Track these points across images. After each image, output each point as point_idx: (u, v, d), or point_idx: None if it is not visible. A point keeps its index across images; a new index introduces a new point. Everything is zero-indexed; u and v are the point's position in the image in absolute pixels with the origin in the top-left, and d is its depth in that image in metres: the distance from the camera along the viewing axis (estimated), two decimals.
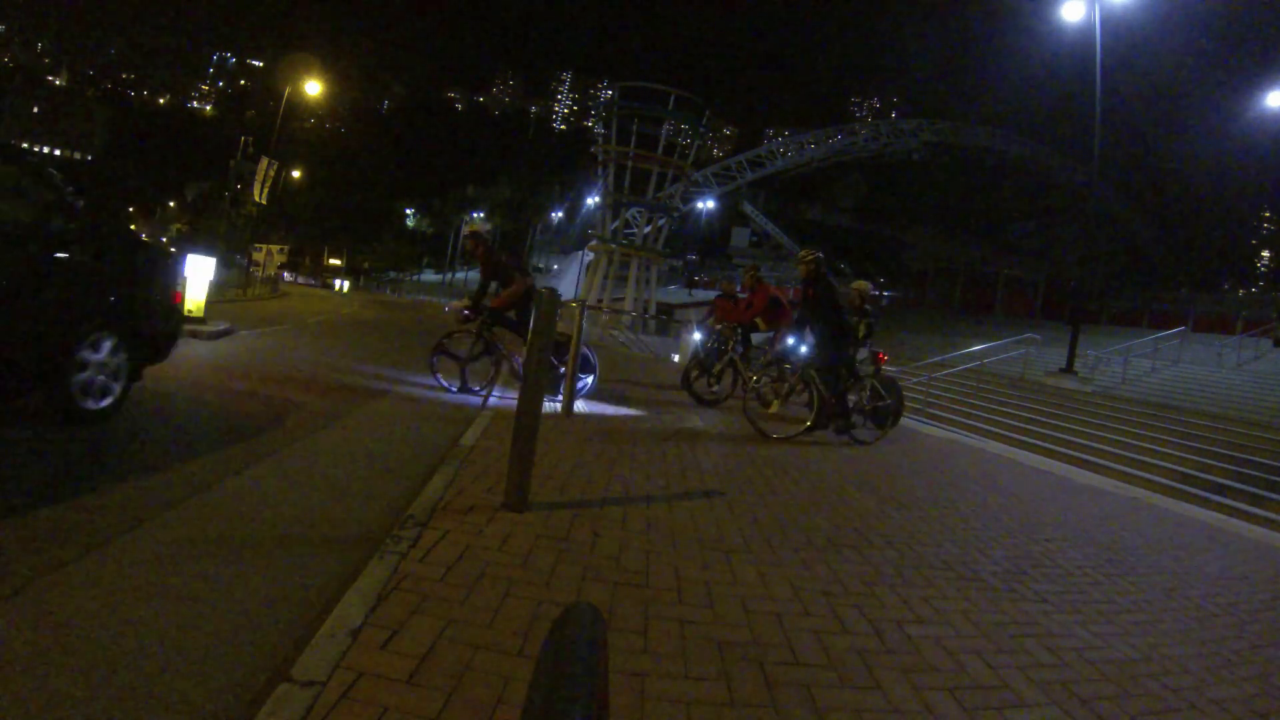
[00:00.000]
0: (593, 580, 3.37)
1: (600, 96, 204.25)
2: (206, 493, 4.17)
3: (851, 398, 10.27)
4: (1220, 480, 12.71)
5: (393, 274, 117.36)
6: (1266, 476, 12.72)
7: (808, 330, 10.07)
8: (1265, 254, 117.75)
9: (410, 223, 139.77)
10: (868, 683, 2.78)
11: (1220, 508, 11.22)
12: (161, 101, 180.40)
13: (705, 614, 3.18)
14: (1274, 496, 11.91)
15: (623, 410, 9.63)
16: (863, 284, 12.30)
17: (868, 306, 11.90)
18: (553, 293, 4.63)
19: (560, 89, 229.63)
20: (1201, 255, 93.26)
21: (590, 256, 54.33)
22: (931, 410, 19.26)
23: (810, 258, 9.64)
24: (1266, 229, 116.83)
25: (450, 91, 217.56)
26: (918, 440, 12.15)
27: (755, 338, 13.19)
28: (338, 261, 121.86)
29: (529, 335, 4.47)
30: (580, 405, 9.14)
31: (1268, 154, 52.15)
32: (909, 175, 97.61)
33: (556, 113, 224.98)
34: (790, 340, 10.89)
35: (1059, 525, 6.72)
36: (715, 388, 12.05)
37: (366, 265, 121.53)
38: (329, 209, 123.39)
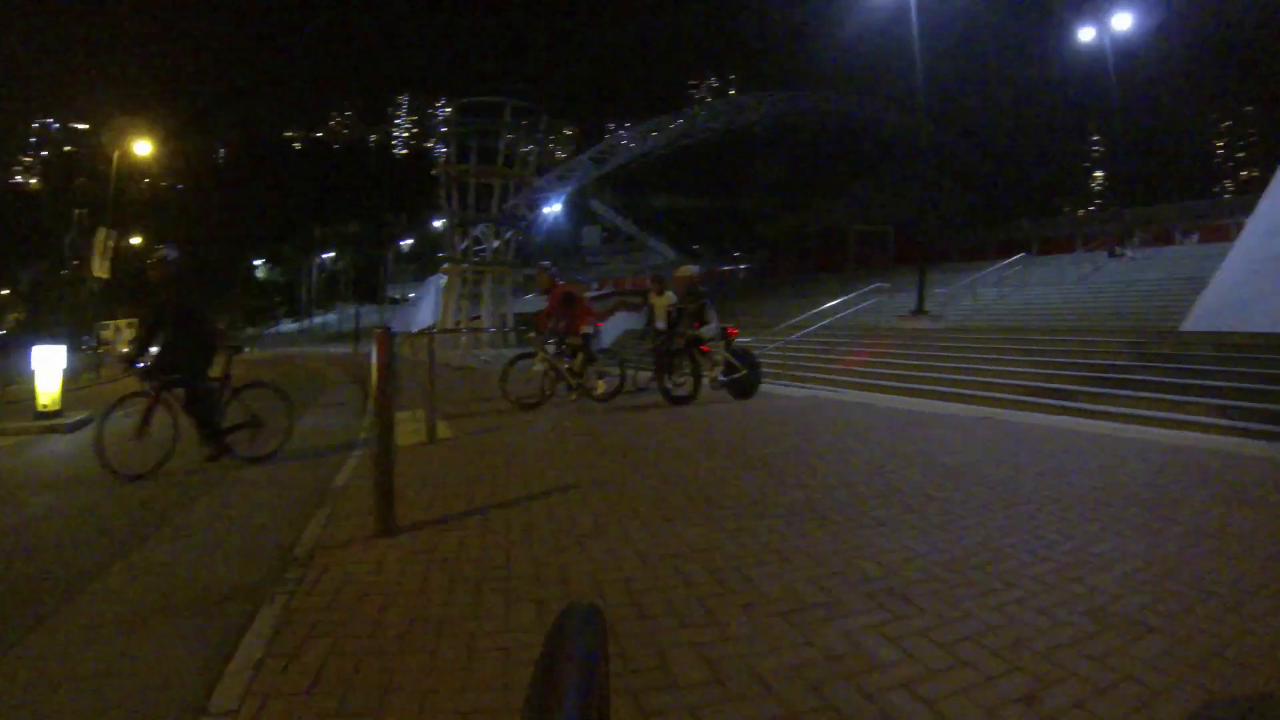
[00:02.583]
0: (461, 582, 3.75)
1: (438, 115, 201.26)
2: (106, 575, 4.39)
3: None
4: (1063, 387, 13.49)
5: (249, 329, 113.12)
6: (1102, 376, 13.47)
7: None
8: (1098, 174, 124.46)
9: (260, 273, 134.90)
10: (706, 621, 3.21)
11: (1063, 411, 12.04)
12: None
13: (558, 590, 3.61)
14: (1110, 392, 12.58)
15: (480, 427, 9.81)
16: (686, 269, 12.85)
17: (701, 289, 12.50)
18: (386, 329, 4.94)
19: (398, 113, 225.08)
20: (1040, 183, 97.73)
21: (444, 279, 53.56)
22: (793, 372, 19.75)
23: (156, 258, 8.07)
24: (1096, 150, 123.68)
25: (287, 130, 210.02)
26: (777, 402, 12.71)
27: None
28: None
29: (376, 378, 4.76)
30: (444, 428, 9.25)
31: (1090, 80, 54.66)
32: (754, 148, 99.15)
33: (397, 138, 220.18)
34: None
35: (905, 455, 7.27)
36: (526, 388, 12.11)
37: (221, 325, 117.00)
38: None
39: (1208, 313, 17.02)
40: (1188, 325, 17.11)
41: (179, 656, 3.20)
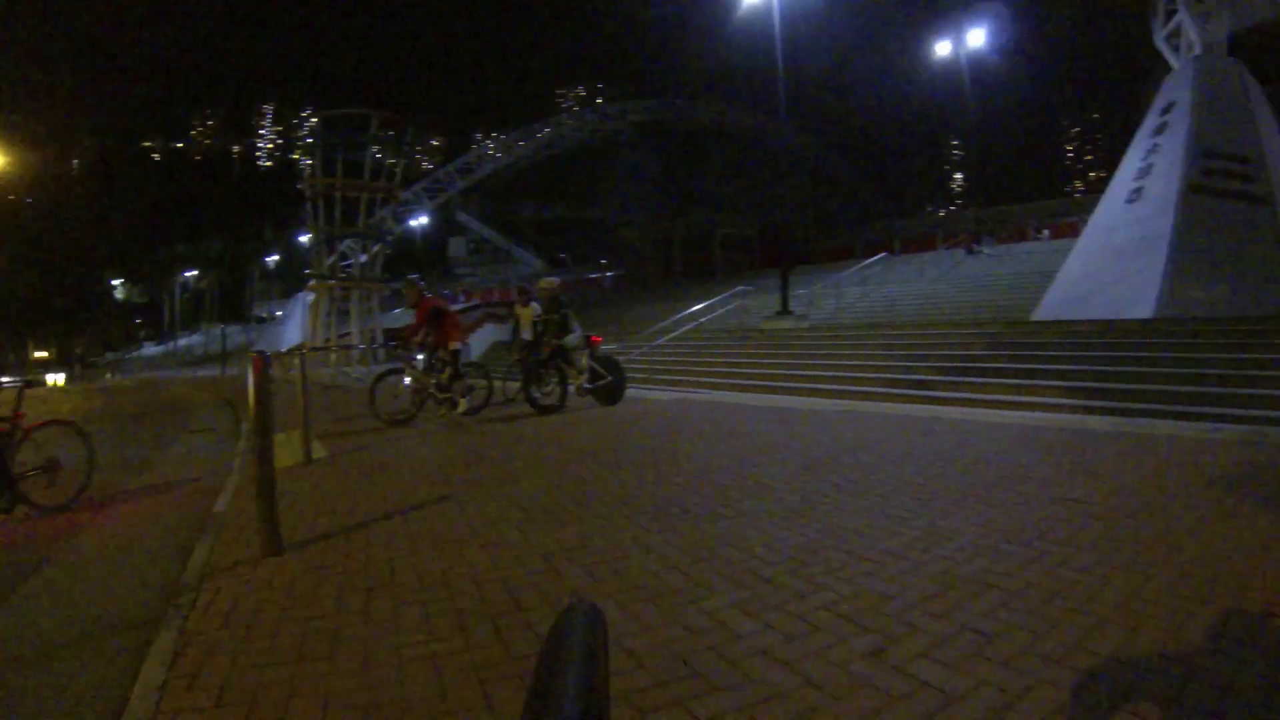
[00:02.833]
0: (350, 592, 3.81)
1: (303, 126, 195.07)
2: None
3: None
4: (922, 377, 13.93)
5: (110, 355, 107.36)
6: (959, 365, 13.96)
7: None
8: (958, 175, 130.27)
9: (120, 294, 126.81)
10: None
11: (923, 400, 12.50)
12: None
13: (444, 593, 3.73)
14: (965, 380, 13.06)
15: (355, 445, 9.64)
16: (548, 281, 12.95)
17: (563, 299, 12.67)
18: (261, 354, 5.03)
19: (262, 123, 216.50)
20: (904, 185, 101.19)
21: (311, 297, 52.02)
22: (659, 376, 19.86)
23: None
24: (956, 154, 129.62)
25: (146, 141, 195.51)
26: (643, 406, 12.95)
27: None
28: (45, 354, 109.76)
29: (253, 400, 4.83)
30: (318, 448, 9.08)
31: (952, 89, 56.83)
32: (620, 156, 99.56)
33: (261, 149, 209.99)
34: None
35: (769, 450, 7.56)
36: (396, 404, 11.91)
37: (79, 350, 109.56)
38: (28, 296, 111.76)
39: (1055, 303, 17.88)
40: (1037, 315, 17.97)
41: (81, 687, 3.20)
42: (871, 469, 6.32)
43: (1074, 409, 10.66)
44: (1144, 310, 15.19)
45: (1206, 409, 9.86)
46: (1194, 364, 11.57)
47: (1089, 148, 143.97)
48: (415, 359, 11.83)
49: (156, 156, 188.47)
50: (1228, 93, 18.29)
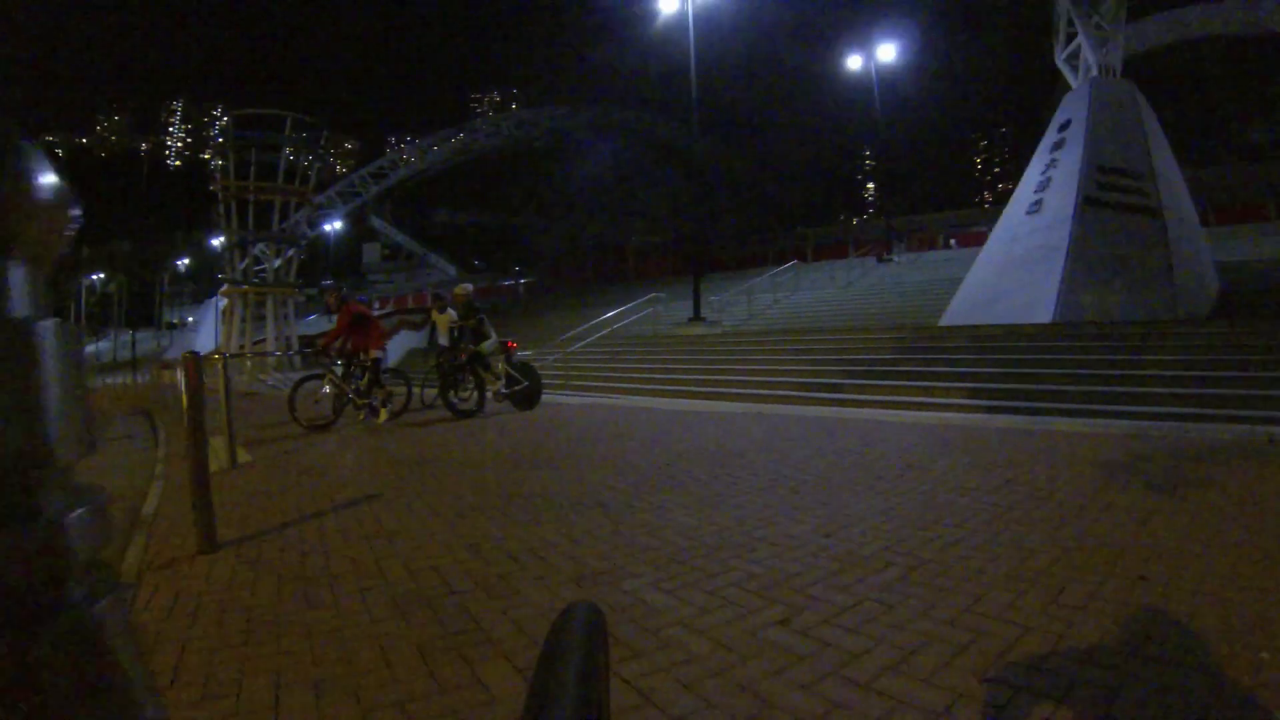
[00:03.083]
0: (289, 582, 3.94)
1: (214, 126, 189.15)
2: None
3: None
4: (832, 381, 14.33)
5: None
6: (868, 369, 14.41)
7: None
8: (870, 185, 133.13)
9: None
10: (507, 591, 3.63)
11: (833, 403, 12.83)
12: None
13: (379, 581, 3.88)
14: (875, 383, 13.51)
15: (278, 451, 9.60)
16: (463, 288, 12.93)
17: (477, 305, 12.71)
18: (194, 355, 5.31)
19: (171, 120, 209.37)
20: (818, 194, 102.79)
21: (224, 302, 50.74)
22: (575, 382, 20.00)
23: None
24: (869, 164, 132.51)
25: (48, 134, 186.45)
26: (560, 411, 13.15)
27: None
28: None
29: (187, 402, 5.22)
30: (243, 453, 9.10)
31: (866, 100, 58.03)
32: (535, 162, 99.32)
33: (170, 148, 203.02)
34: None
35: (682, 450, 7.88)
36: (315, 410, 11.81)
37: None
38: None
39: (961, 309, 18.50)
40: (944, 320, 18.60)
41: None
42: (779, 465, 6.66)
43: (976, 409, 11.17)
44: (1043, 315, 15.89)
45: (1097, 406, 10.48)
46: (1086, 365, 12.23)
47: (997, 160, 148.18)
48: (335, 365, 11.77)
49: (60, 151, 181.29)
50: (1121, 112, 19.17)
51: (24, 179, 0.55)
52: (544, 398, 13.77)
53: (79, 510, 0.55)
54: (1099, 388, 11.32)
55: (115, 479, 8.77)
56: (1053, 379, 11.97)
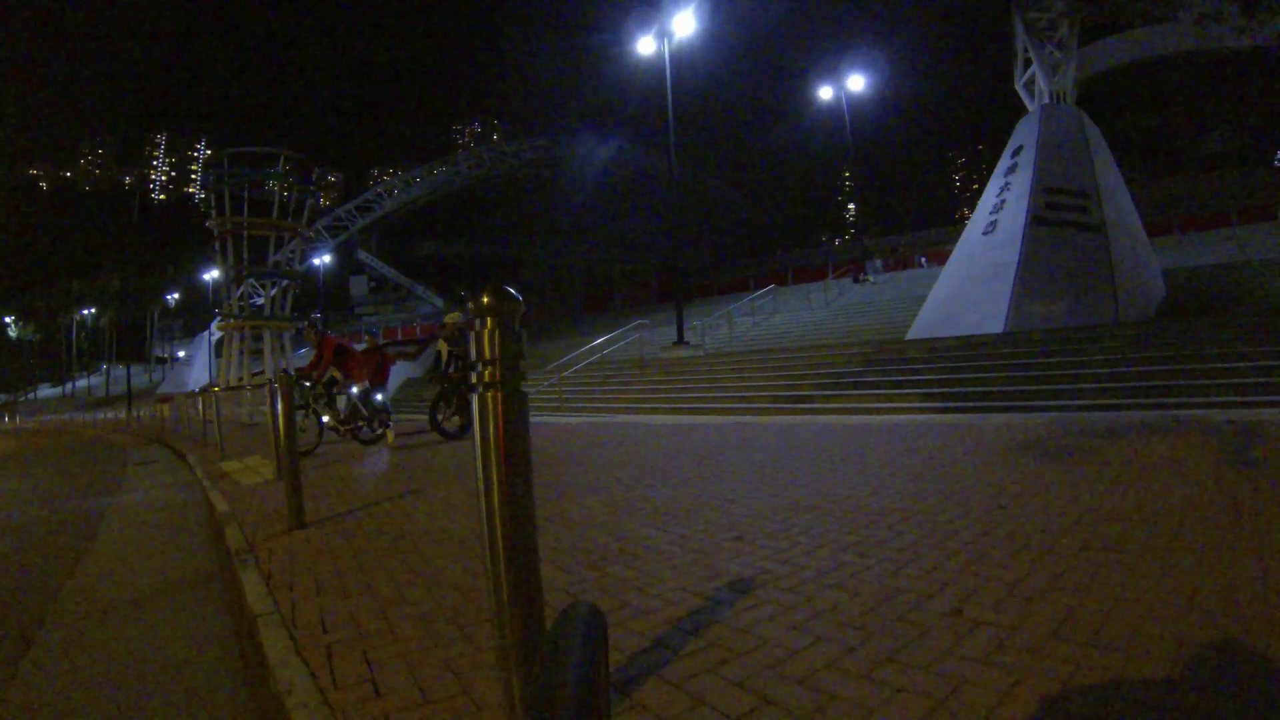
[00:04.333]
0: (378, 538, 5.14)
1: (198, 158, 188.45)
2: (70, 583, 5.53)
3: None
4: (804, 392, 15.65)
5: (3, 397, 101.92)
6: (837, 380, 15.72)
7: None
8: (851, 206, 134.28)
9: (13, 332, 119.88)
10: (544, 536, 4.74)
11: (805, 411, 14.19)
12: None
13: (447, 536, 5.16)
14: (842, 393, 14.83)
15: (311, 465, 10.94)
16: (453, 316, 13.38)
17: (466, 335, 12.96)
18: (285, 375, 6.50)
19: (156, 153, 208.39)
20: (798, 217, 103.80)
21: (218, 335, 51.50)
22: (568, 406, 21.12)
23: None
24: (849, 185, 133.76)
25: (32, 168, 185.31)
26: (556, 429, 14.30)
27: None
28: None
29: (283, 418, 6.22)
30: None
31: (841, 122, 59.46)
32: (517, 192, 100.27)
33: (155, 181, 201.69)
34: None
35: (667, 451, 9.28)
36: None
37: None
38: None
39: (924, 324, 19.91)
40: (909, 335, 19.94)
41: (204, 607, 4.54)
42: (748, 458, 8.04)
43: (930, 410, 12.62)
44: (996, 327, 17.33)
45: (1034, 402, 11.94)
46: (1030, 368, 13.65)
47: (975, 178, 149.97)
48: (307, 386, 12.51)
49: (44, 185, 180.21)
50: (1068, 136, 20.67)
51: None
52: (541, 419, 14.73)
53: None
54: (1040, 386, 12.76)
55: (174, 493, 9.92)
56: (998, 381, 13.40)
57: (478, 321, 2.07)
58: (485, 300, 2.08)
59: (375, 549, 4.83)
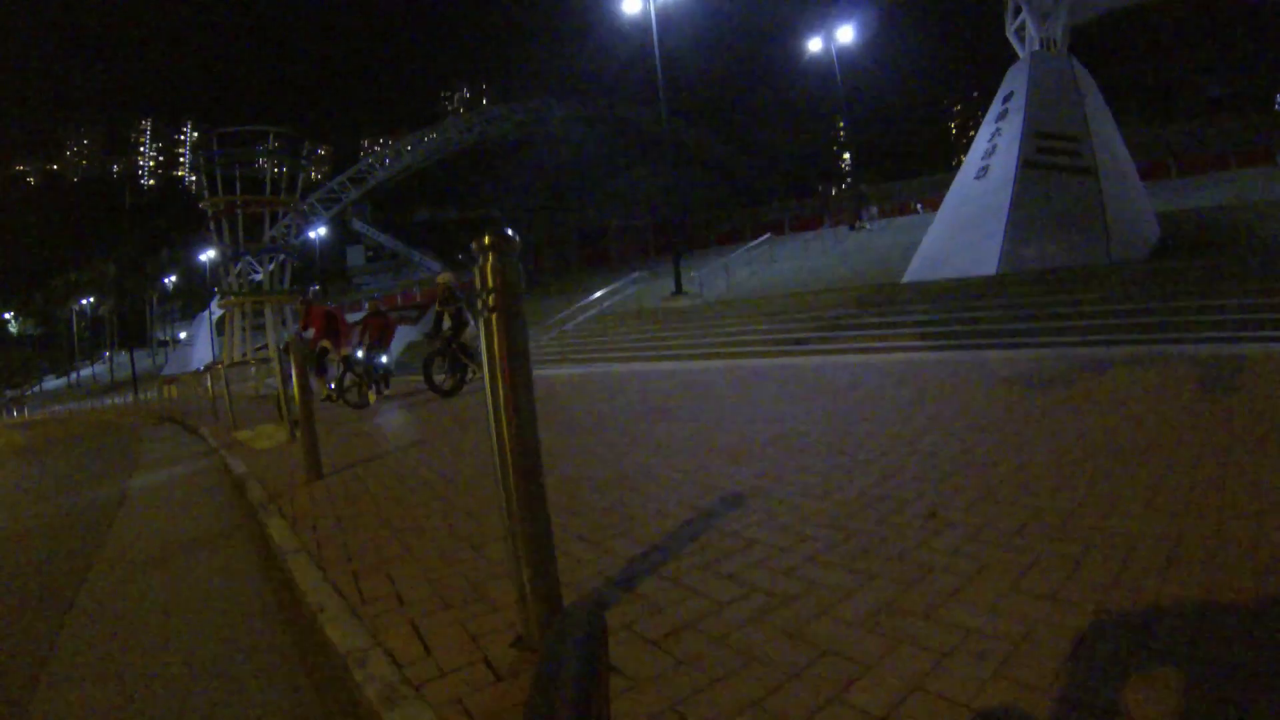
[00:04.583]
0: (393, 483, 5.42)
1: (184, 141, 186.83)
2: (104, 546, 5.88)
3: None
4: (801, 335, 15.96)
5: (10, 392, 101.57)
6: (833, 323, 16.03)
7: None
8: (846, 155, 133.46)
9: (14, 328, 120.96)
10: (560, 462, 5.07)
11: (801, 353, 14.40)
12: None
13: (458, 479, 5.42)
14: (837, 335, 15.09)
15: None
16: (444, 276, 13.44)
17: (457, 294, 13.17)
18: (297, 337, 6.52)
19: (141, 139, 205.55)
20: (793, 166, 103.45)
21: (218, 314, 51.66)
22: (571, 356, 21.34)
23: None
24: (843, 135, 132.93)
25: (18, 164, 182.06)
26: (560, 380, 14.58)
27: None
28: None
29: (296, 374, 6.44)
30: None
31: (832, 73, 59.11)
32: (509, 155, 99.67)
33: (142, 167, 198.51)
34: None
35: (668, 392, 9.70)
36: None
37: None
38: None
39: (919, 267, 20.09)
40: (905, 279, 20.07)
41: (233, 553, 4.74)
42: (745, 395, 8.40)
43: (924, 349, 12.88)
44: (989, 269, 17.51)
45: (1023, 340, 12.17)
46: (1019, 307, 13.89)
47: (971, 125, 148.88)
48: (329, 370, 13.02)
49: (31, 180, 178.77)
50: (1059, 81, 20.68)
51: None
52: (544, 371, 14.97)
53: None
54: (1032, 324, 12.98)
55: (192, 463, 10.19)
56: (990, 320, 13.65)
57: (480, 258, 2.26)
58: (486, 240, 2.28)
59: (390, 491, 5.08)
